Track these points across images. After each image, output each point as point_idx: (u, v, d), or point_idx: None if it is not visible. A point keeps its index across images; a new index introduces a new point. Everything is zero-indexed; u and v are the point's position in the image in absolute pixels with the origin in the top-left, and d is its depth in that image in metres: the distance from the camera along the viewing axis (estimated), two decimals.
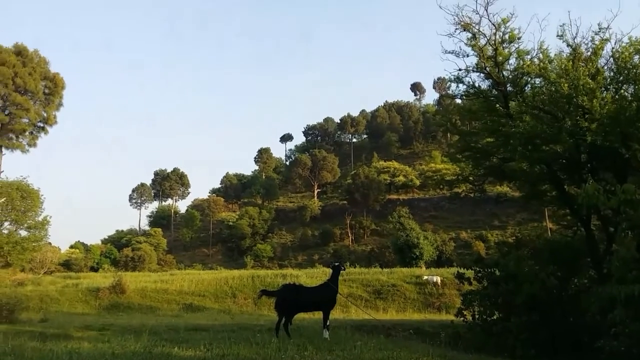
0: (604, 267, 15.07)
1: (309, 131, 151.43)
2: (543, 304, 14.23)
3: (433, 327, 19.28)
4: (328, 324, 13.12)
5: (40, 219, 48.00)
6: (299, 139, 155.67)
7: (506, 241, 33.43)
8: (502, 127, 16.77)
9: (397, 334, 18.20)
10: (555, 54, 17.08)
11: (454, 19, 17.68)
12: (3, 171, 38.44)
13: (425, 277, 38.33)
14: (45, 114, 39.42)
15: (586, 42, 16.51)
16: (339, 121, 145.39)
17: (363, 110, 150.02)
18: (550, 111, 15.73)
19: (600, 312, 12.34)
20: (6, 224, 46.13)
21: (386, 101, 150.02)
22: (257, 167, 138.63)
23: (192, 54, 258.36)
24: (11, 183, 45.32)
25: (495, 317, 15.29)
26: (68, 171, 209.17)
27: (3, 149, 37.96)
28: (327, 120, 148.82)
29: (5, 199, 42.04)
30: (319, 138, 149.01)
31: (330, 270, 13.90)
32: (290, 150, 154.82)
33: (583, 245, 16.56)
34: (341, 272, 13.79)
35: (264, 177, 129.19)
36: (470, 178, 21.41)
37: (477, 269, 16.53)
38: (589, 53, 16.50)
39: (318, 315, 15.17)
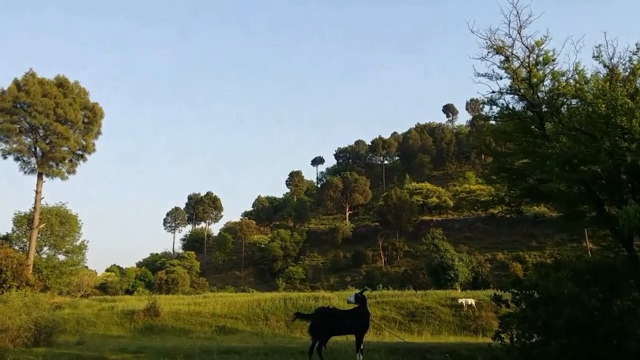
0: None
1: (340, 154, 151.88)
2: (584, 327, 13.78)
3: (469, 351, 18.76)
4: (362, 347, 13.04)
5: (77, 243, 49.33)
6: (330, 161, 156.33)
7: (545, 262, 32.66)
8: (538, 148, 16.45)
9: (433, 358, 17.81)
10: (591, 75, 16.80)
11: (487, 42, 17.59)
12: (43, 197, 39.35)
13: (461, 300, 37.63)
14: (84, 142, 40.47)
15: (624, 62, 16.22)
16: (370, 143, 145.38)
17: (394, 133, 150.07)
18: (587, 132, 15.39)
19: None
20: (45, 248, 47.50)
21: (418, 123, 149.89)
22: (288, 190, 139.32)
23: (226, 78, 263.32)
24: (51, 209, 46.67)
25: (534, 340, 14.86)
26: (105, 195, 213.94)
27: (43, 177, 38.95)
28: (359, 142, 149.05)
29: (44, 224, 43.18)
30: (350, 160, 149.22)
31: (351, 299, 14.43)
32: (321, 173, 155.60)
33: (625, 266, 16.02)
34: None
35: (295, 199, 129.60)
36: (506, 199, 21.03)
37: (515, 291, 16.14)
38: (626, 73, 16.18)
39: (351, 338, 15.02)
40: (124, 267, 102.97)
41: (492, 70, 17.91)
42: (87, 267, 68.15)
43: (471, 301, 37.06)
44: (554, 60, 17.23)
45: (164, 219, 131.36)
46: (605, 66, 16.40)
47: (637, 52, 15.94)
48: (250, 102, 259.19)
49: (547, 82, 17.57)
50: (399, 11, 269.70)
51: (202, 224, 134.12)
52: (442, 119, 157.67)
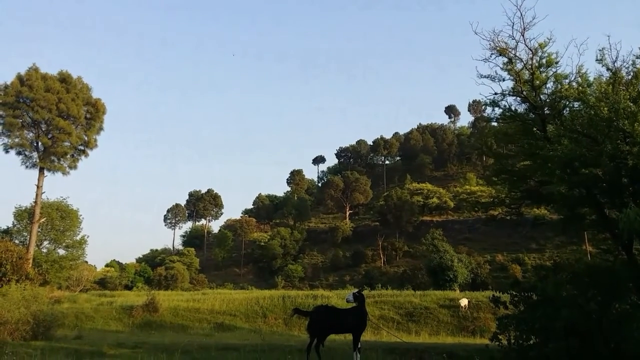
0: None
1: (341, 153, 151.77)
2: (583, 330, 13.76)
3: (467, 352, 18.77)
4: (359, 346, 13.06)
5: (78, 238, 49.34)
6: (332, 161, 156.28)
7: (544, 265, 32.57)
8: (540, 150, 16.40)
9: (430, 358, 17.83)
10: (594, 78, 16.77)
11: (490, 44, 17.53)
12: (44, 192, 39.40)
13: (460, 301, 37.51)
14: (86, 138, 40.59)
15: (627, 65, 16.15)
16: (371, 143, 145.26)
17: (396, 133, 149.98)
18: (589, 134, 15.34)
19: None
20: (45, 242, 47.50)
21: (420, 123, 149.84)
22: (289, 189, 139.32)
23: (228, 78, 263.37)
24: (51, 203, 46.68)
25: (532, 342, 14.85)
26: (105, 191, 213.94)
27: (45, 171, 38.99)
28: (360, 142, 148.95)
29: (45, 218, 43.18)
30: (351, 160, 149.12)
31: (349, 298, 14.55)
32: (322, 172, 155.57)
33: (625, 269, 15.99)
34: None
35: (296, 198, 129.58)
36: (507, 201, 21.01)
37: (514, 293, 16.12)
38: (629, 77, 16.12)
39: (349, 337, 15.05)
40: (123, 263, 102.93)
41: (495, 71, 17.87)
42: (86, 262, 68.15)
43: (465, 301, 37.05)
44: (557, 62, 17.18)
45: (165, 215, 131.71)
46: (608, 69, 16.35)
47: None
48: (252, 102, 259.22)
49: (549, 84, 17.52)
50: (404, 14, 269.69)
51: (203, 221, 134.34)
52: (444, 119, 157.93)
